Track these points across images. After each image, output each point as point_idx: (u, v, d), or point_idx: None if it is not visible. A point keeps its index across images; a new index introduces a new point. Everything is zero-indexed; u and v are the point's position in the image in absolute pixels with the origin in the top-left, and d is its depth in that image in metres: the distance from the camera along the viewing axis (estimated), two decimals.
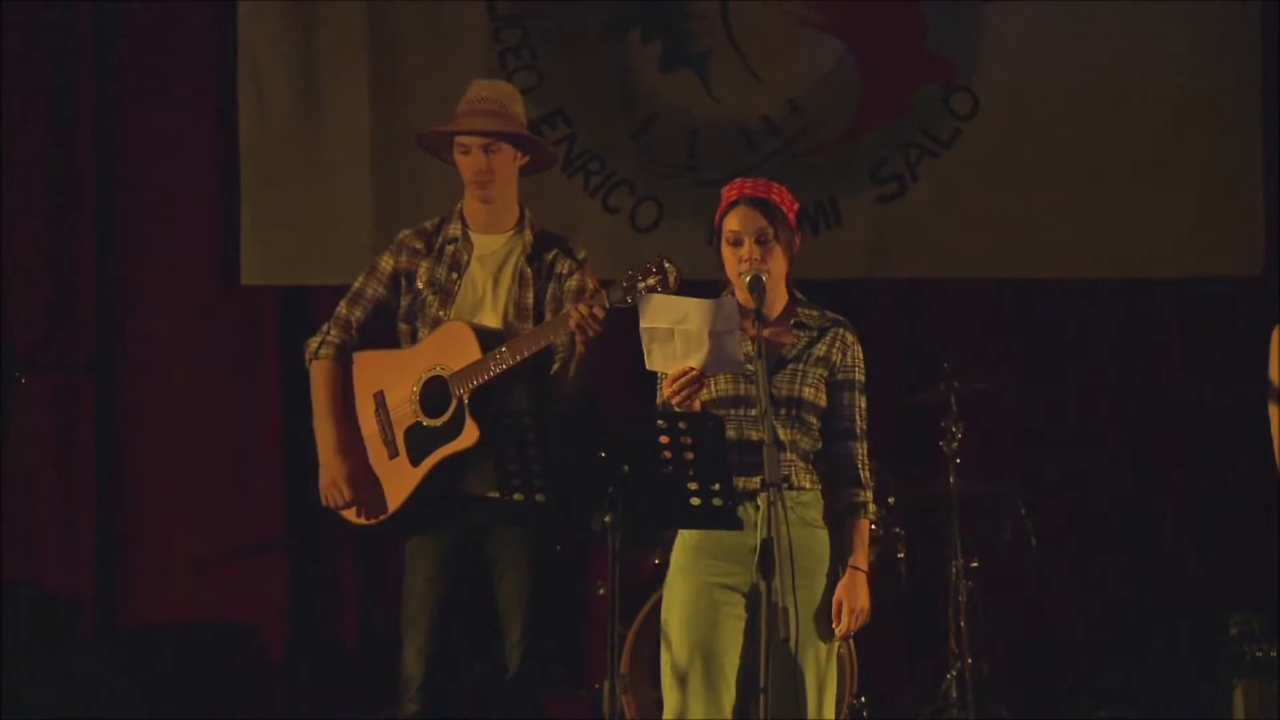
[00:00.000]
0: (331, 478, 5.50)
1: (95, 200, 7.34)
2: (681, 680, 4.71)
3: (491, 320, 5.45)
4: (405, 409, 5.44)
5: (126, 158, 7.39)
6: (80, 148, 7.35)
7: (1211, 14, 7.54)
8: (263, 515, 7.36)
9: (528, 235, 5.52)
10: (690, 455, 4.39)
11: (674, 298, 4.66)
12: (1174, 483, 7.61)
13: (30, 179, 7.31)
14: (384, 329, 5.59)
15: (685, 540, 4.79)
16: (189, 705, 7.10)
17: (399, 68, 7.41)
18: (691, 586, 4.75)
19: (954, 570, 6.81)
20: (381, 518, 5.48)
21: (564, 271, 5.49)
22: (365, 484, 5.50)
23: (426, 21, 7.43)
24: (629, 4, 7.53)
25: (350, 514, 5.53)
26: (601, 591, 6.60)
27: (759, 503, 4.65)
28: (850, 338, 4.88)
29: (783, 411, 4.77)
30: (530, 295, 5.47)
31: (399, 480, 5.44)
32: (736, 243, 4.79)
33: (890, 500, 6.76)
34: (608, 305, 5.12)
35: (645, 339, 4.59)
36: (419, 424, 5.41)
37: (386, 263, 5.57)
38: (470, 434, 5.32)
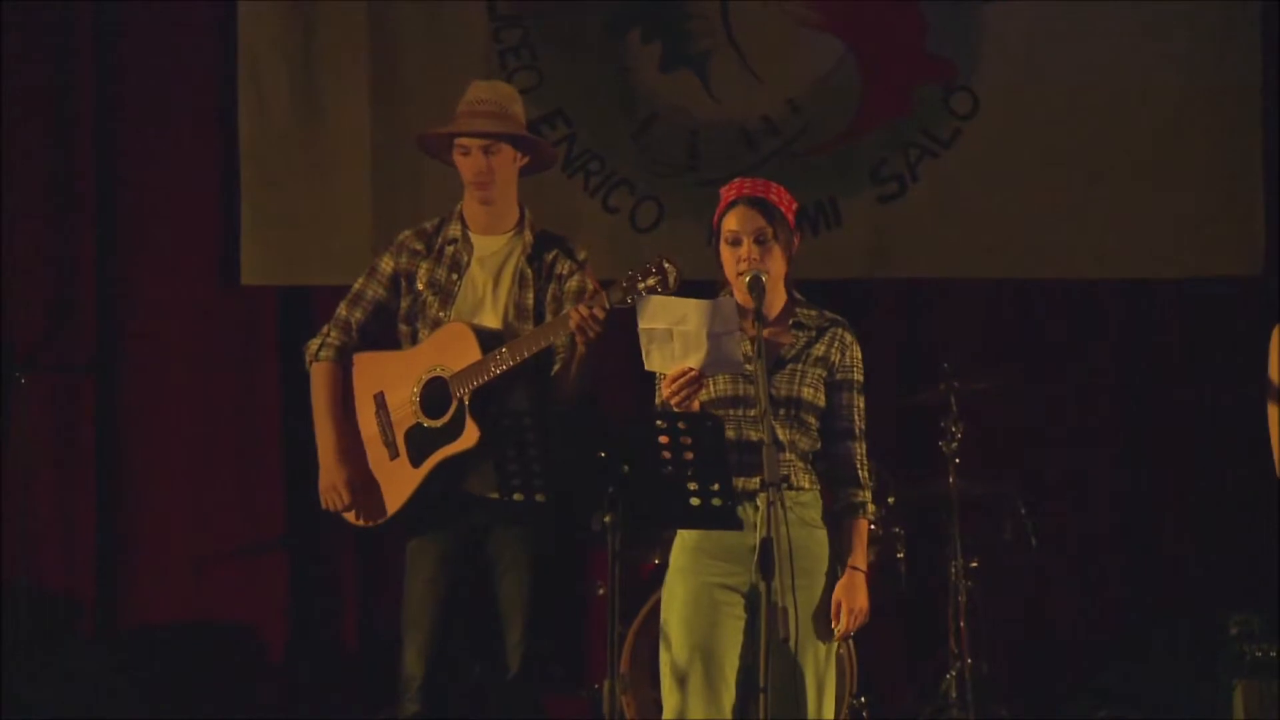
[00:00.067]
0: (331, 481, 5.51)
1: (95, 200, 7.34)
2: (681, 680, 4.71)
3: (492, 321, 5.45)
4: (406, 410, 5.44)
5: (126, 158, 7.39)
6: (80, 148, 7.35)
7: (1211, 14, 7.53)
8: (263, 515, 7.36)
9: (528, 236, 5.52)
10: (690, 455, 4.39)
11: (672, 298, 4.66)
12: (1174, 483, 7.61)
13: (30, 179, 7.31)
14: (384, 330, 5.59)
15: (685, 540, 4.79)
16: (189, 705, 7.10)
17: (399, 68, 7.41)
18: (691, 587, 4.75)
19: (954, 570, 6.81)
20: (381, 521, 5.49)
21: (564, 272, 5.49)
22: (365, 487, 5.50)
23: (426, 21, 7.43)
24: (629, 4, 7.53)
25: (350, 517, 5.54)
26: (601, 591, 6.60)
27: (758, 503, 4.66)
28: (849, 338, 4.88)
29: (782, 411, 4.77)
30: (530, 296, 5.47)
31: (399, 481, 5.44)
32: (735, 243, 4.79)
33: (890, 500, 6.76)
34: (608, 306, 5.12)
35: (644, 340, 4.59)
36: (419, 425, 5.41)
37: (386, 264, 5.57)
38: (471, 435, 5.32)
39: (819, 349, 4.84)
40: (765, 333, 4.71)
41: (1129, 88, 7.52)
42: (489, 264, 5.50)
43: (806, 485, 4.80)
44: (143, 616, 7.28)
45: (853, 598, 4.76)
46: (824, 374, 4.83)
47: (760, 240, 4.77)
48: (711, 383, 4.75)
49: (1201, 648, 7.02)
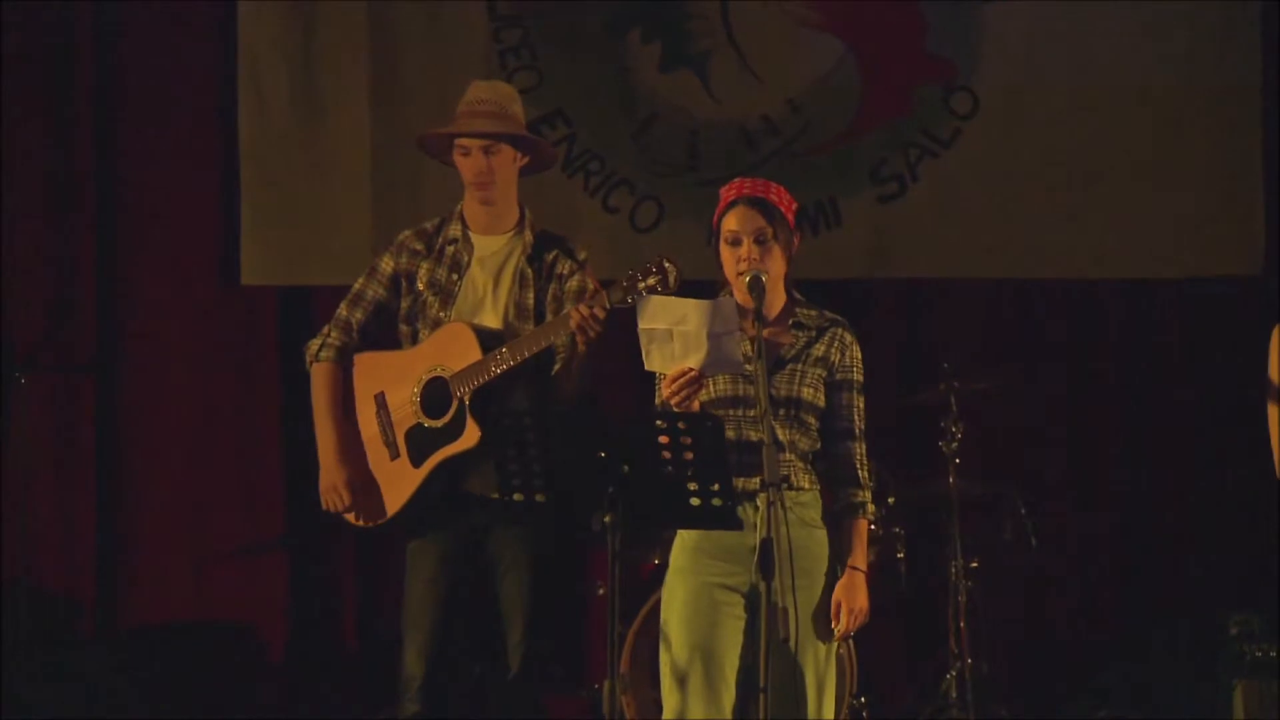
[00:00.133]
0: (331, 482, 5.50)
1: (95, 200, 7.34)
2: (681, 680, 4.71)
3: (492, 321, 5.45)
4: (406, 410, 5.44)
5: (126, 158, 7.39)
6: (80, 148, 7.35)
7: (1211, 14, 7.53)
8: (263, 515, 7.36)
9: (528, 236, 5.52)
10: (690, 455, 4.39)
11: (672, 299, 4.66)
12: (1174, 483, 7.61)
13: (30, 179, 7.31)
14: (384, 330, 5.59)
15: (684, 540, 4.79)
16: (189, 705, 7.10)
17: (399, 68, 7.41)
18: (691, 587, 4.75)
19: (954, 570, 6.81)
20: (381, 521, 5.49)
21: (564, 272, 5.49)
22: (365, 488, 5.49)
23: (426, 21, 7.44)
24: (629, 4, 7.53)
25: (350, 518, 5.54)
26: (601, 591, 6.60)
27: (758, 503, 4.66)
28: (848, 338, 4.88)
29: (781, 412, 4.77)
30: (531, 296, 5.47)
31: (400, 481, 5.44)
32: (735, 243, 4.79)
33: (890, 500, 6.76)
34: (608, 306, 5.11)
35: (644, 340, 4.58)
36: (420, 425, 5.41)
37: (386, 264, 5.57)
38: (471, 435, 5.32)
39: (819, 349, 4.84)
40: (765, 333, 4.71)
41: (1128, 88, 7.52)
42: (489, 264, 5.50)
43: (806, 485, 4.80)
44: (143, 616, 7.29)
45: (853, 598, 4.76)
46: (824, 374, 4.83)
47: (760, 240, 4.77)
48: (711, 383, 4.75)
49: (1201, 648, 7.02)
